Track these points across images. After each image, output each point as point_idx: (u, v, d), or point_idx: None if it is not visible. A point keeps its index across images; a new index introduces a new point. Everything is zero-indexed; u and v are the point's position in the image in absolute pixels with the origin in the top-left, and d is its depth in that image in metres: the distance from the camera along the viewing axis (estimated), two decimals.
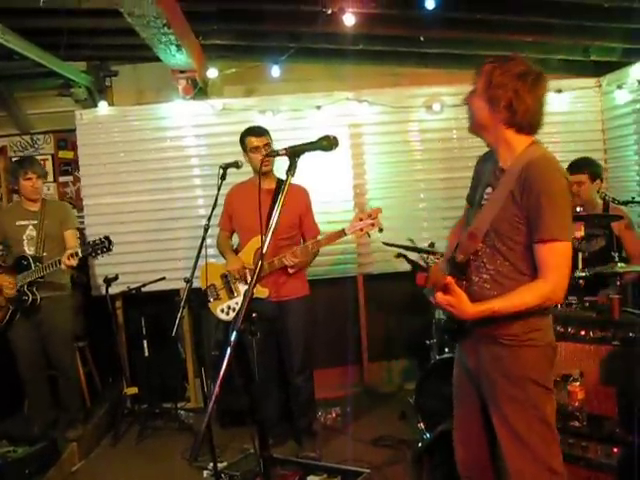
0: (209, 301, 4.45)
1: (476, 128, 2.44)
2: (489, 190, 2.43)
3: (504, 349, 2.35)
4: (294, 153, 2.07)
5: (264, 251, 1.96)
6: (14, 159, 5.98)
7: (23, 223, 4.64)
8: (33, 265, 4.46)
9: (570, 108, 5.61)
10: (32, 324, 4.58)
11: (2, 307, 4.52)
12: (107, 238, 4.23)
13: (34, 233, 4.62)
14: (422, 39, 4.99)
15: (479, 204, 2.47)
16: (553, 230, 2.21)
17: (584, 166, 4.46)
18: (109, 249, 4.25)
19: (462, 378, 2.58)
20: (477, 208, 2.48)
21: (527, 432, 2.32)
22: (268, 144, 4.33)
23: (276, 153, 2.13)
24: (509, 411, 2.34)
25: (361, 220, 4.09)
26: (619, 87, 5.25)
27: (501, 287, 2.32)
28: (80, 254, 4.26)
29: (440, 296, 2.16)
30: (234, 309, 4.42)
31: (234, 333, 1.83)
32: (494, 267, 2.35)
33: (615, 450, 2.76)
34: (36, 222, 4.64)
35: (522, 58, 2.37)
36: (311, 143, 2.13)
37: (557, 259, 2.23)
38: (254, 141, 4.30)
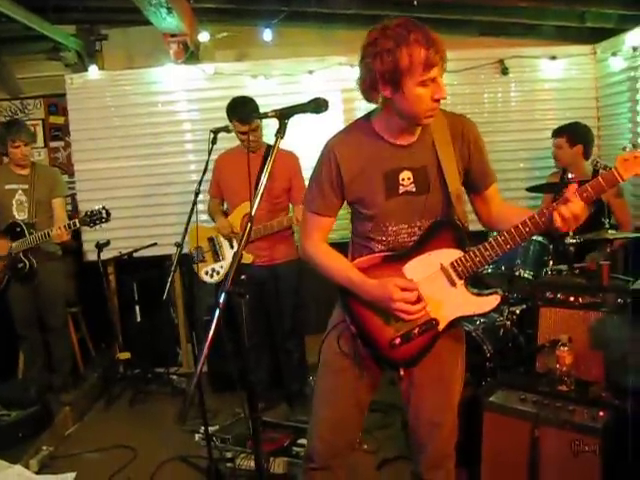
0: (194, 262, 4.47)
1: None
2: (408, 174, 2.22)
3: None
4: (283, 115, 2.04)
5: (252, 214, 1.95)
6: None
7: (12, 187, 4.63)
8: (27, 231, 4.46)
9: (564, 75, 5.56)
10: (28, 288, 4.63)
11: None
12: (104, 208, 4.24)
13: (24, 198, 4.61)
14: (415, 3, 4.94)
15: (393, 194, 2.23)
16: (494, 172, 2.38)
17: (563, 130, 4.55)
18: (107, 220, 4.26)
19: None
20: (393, 199, 2.24)
21: (455, 401, 2.42)
22: (256, 128, 4.25)
23: (265, 115, 2.10)
24: (454, 384, 2.41)
25: None
26: (614, 54, 5.21)
27: None
28: (78, 224, 4.28)
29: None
30: (218, 272, 4.50)
31: (222, 295, 1.83)
32: None
33: (601, 414, 2.78)
34: (26, 187, 4.62)
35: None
36: (300, 105, 2.10)
37: None
38: (238, 126, 4.24)
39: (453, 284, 2.22)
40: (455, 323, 2.30)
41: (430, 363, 2.31)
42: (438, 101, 2.09)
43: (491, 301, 2.24)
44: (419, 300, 2.18)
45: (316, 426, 2.49)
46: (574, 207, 2.04)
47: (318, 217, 2.35)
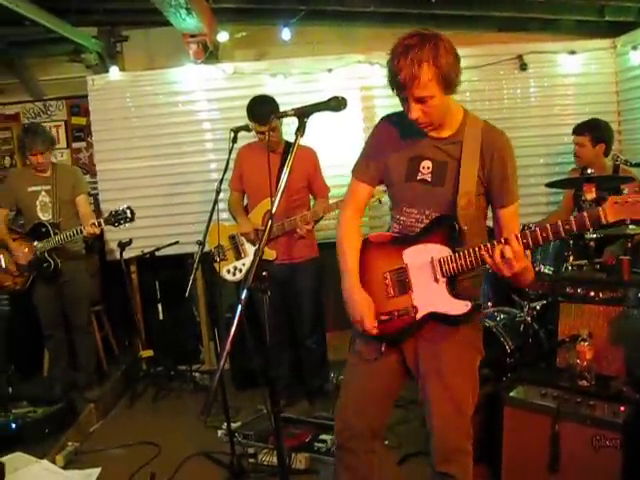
0: (215, 261, 4.50)
1: (440, 124, 2.30)
2: (428, 164, 2.34)
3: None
4: (302, 114, 2.08)
5: (273, 212, 1.98)
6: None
7: (36, 189, 4.67)
8: (52, 231, 4.51)
9: (584, 70, 5.52)
10: (53, 287, 4.69)
11: (24, 274, 4.60)
12: (129, 208, 4.27)
13: (47, 199, 4.67)
14: (434, 0, 4.94)
15: (412, 179, 2.37)
16: (515, 194, 2.36)
17: (586, 129, 4.48)
18: (131, 219, 4.29)
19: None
20: (411, 183, 2.38)
21: (459, 398, 2.38)
22: (274, 128, 4.27)
23: (284, 114, 2.15)
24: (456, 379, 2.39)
25: None
26: (634, 48, 5.16)
27: None
28: (103, 224, 4.31)
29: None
30: (240, 270, 4.53)
31: (245, 291, 1.86)
32: None
33: (622, 409, 2.79)
34: (49, 188, 4.68)
35: (426, 31, 2.15)
36: (319, 104, 2.14)
37: (518, 218, 2.40)
38: (255, 127, 4.27)
39: (436, 280, 2.32)
40: (454, 322, 2.34)
41: (430, 356, 2.39)
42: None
43: (460, 306, 2.31)
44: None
45: (339, 405, 2.61)
46: (507, 250, 2.09)
47: (357, 182, 2.56)
